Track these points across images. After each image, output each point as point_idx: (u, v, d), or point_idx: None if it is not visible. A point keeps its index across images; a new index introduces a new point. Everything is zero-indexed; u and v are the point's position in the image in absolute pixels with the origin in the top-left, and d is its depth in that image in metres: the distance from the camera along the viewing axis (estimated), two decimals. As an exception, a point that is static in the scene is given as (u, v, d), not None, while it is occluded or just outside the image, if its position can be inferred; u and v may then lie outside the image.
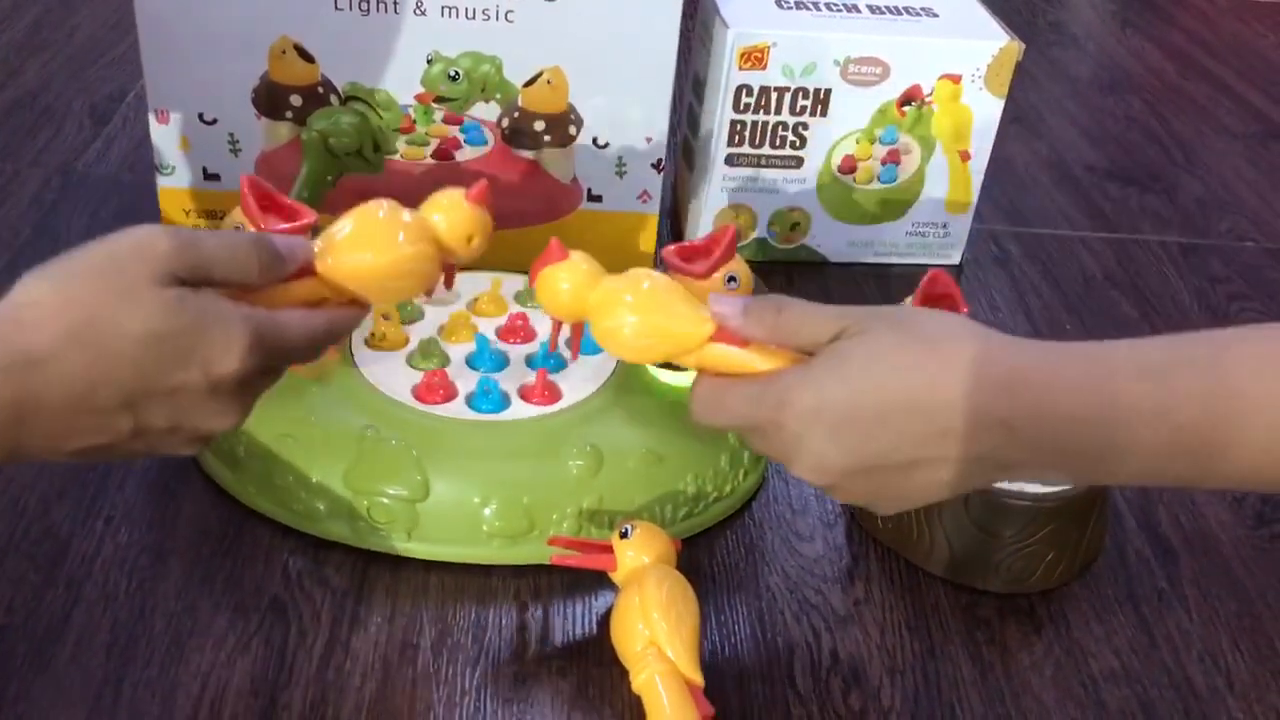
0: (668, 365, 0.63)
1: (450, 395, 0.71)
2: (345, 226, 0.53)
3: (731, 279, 0.71)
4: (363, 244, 0.53)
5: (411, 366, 0.73)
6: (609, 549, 0.65)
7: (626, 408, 0.73)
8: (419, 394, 0.71)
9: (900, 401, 0.49)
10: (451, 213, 0.55)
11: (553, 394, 0.72)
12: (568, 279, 0.56)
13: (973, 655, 0.67)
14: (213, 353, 0.46)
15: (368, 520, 0.68)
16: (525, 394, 0.72)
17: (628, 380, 0.74)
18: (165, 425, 0.47)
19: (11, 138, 1.06)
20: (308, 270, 0.52)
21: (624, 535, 0.65)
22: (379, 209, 0.53)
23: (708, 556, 0.72)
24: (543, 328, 0.77)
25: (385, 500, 0.67)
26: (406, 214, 0.54)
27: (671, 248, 0.72)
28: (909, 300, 0.81)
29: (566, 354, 0.74)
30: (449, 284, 0.56)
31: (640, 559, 0.64)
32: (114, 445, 0.47)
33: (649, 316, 0.54)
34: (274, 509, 0.69)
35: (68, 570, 0.66)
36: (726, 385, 0.54)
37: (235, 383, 0.48)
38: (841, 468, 0.51)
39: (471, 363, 0.74)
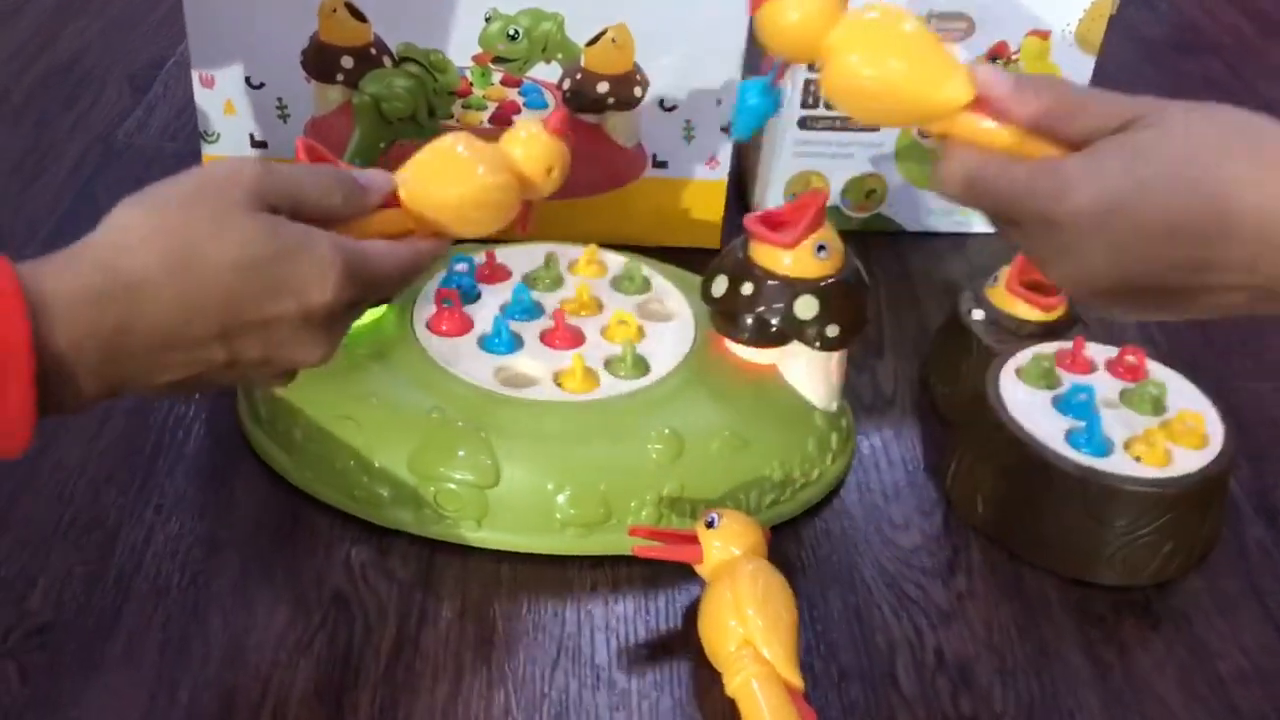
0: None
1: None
2: (426, 157, 0.53)
3: (821, 248, 0.66)
4: (444, 174, 0.53)
5: (481, 349, 0.68)
6: (694, 539, 0.60)
7: (707, 387, 0.68)
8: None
9: (1209, 217, 0.41)
10: (531, 144, 0.55)
11: (575, 338, 0.68)
12: (799, 7, 0.48)
13: (1089, 654, 0.62)
14: (307, 282, 0.46)
15: (434, 508, 0.63)
16: (546, 338, 0.68)
17: (707, 357, 0.69)
18: (258, 356, 0.46)
19: (49, 107, 1.02)
20: (390, 203, 0.52)
21: (710, 525, 0.60)
22: (458, 141, 0.53)
23: (796, 547, 0.67)
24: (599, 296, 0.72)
25: (453, 486, 0.63)
26: (485, 144, 0.54)
27: (755, 215, 0.67)
28: (1004, 272, 0.76)
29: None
30: (526, 223, 0.55)
31: (729, 550, 0.59)
32: (206, 375, 0.46)
33: (902, 65, 0.47)
34: (334, 496, 0.65)
35: (117, 563, 0.62)
36: (991, 161, 0.47)
37: (327, 313, 0.47)
38: (1113, 283, 0.45)
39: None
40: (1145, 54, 1.33)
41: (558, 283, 0.73)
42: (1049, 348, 0.71)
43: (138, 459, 0.68)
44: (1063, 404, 0.68)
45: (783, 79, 0.55)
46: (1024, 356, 0.70)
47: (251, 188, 0.45)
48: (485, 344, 0.68)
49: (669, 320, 0.72)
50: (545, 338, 0.69)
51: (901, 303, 0.88)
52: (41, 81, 1.06)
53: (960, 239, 0.96)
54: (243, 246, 0.44)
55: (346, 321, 0.49)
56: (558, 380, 0.66)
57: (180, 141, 0.97)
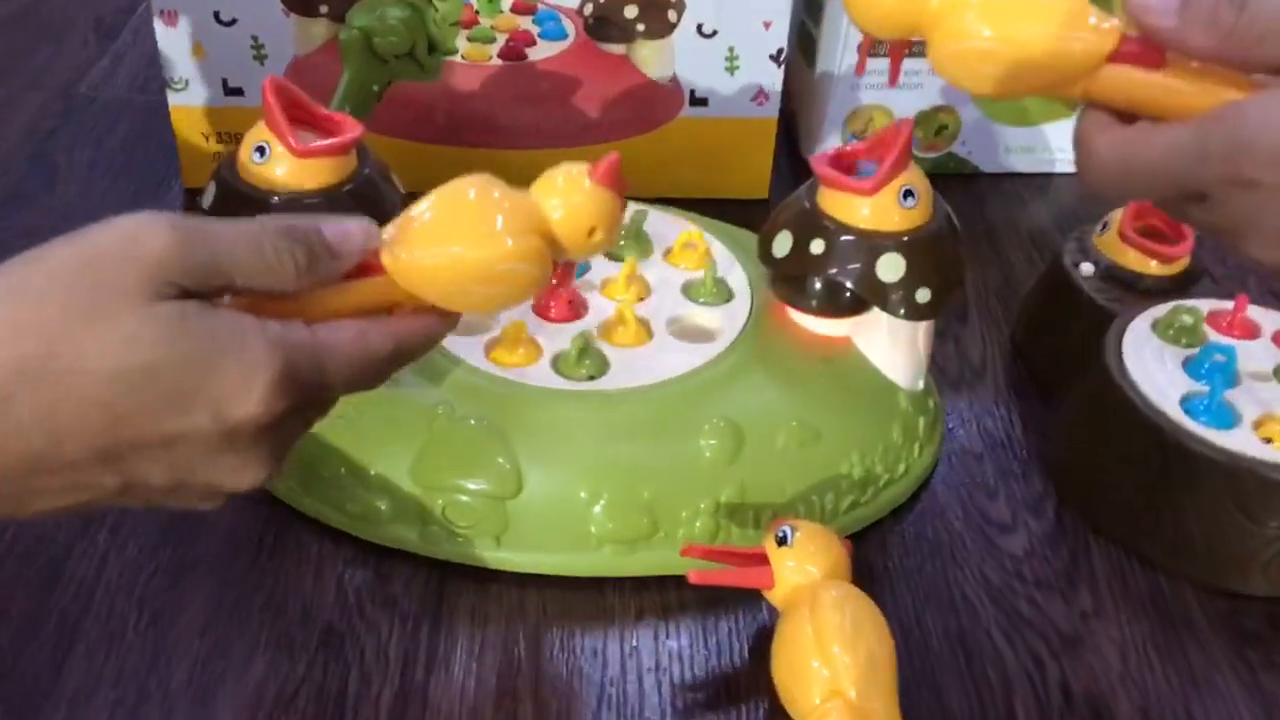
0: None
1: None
2: (425, 209, 0.39)
3: (908, 194, 0.54)
4: (448, 233, 0.38)
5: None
6: (763, 559, 0.49)
7: (768, 368, 0.56)
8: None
9: None
10: (570, 196, 0.39)
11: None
12: None
13: (1248, 684, 0.50)
14: (225, 391, 0.35)
15: (443, 524, 0.52)
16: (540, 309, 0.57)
17: (767, 331, 0.58)
18: (164, 481, 0.36)
19: (4, 57, 0.91)
20: (371, 266, 0.38)
21: (782, 540, 0.49)
22: (470, 188, 0.39)
23: (881, 557, 0.55)
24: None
25: (465, 498, 0.52)
26: (508, 195, 0.39)
27: (824, 155, 0.55)
28: (1115, 218, 0.64)
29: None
30: (564, 280, 0.44)
31: (806, 571, 0.48)
32: (98, 501, 0.36)
33: (1026, 14, 0.40)
34: (323, 510, 0.54)
35: (62, 600, 0.51)
36: (1146, 132, 0.39)
37: (256, 429, 0.36)
38: None
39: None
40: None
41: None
42: (1201, 304, 0.59)
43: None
44: (1193, 365, 0.57)
45: (898, 77, 0.47)
46: (1160, 310, 0.59)
47: (153, 266, 0.34)
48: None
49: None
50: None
51: (984, 256, 0.76)
52: (-2, 30, 0.94)
53: (1044, 180, 0.84)
54: (128, 350, 0.34)
55: (293, 430, 0.38)
56: (604, 333, 0.56)
57: (151, 93, 0.86)
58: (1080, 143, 0.40)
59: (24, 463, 0.34)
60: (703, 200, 0.77)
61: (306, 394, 0.37)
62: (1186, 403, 0.55)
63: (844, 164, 0.55)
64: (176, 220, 0.35)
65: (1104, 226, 0.64)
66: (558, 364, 0.55)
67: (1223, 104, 0.38)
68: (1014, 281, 0.74)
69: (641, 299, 0.59)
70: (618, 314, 0.57)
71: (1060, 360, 0.64)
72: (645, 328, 0.57)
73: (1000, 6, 0.40)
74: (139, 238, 0.34)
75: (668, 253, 0.63)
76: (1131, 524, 0.56)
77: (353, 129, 0.54)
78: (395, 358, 0.39)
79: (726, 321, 0.58)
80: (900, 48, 0.49)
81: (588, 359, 0.55)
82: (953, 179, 0.82)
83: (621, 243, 0.61)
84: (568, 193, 0.39)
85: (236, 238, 0.36)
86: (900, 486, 0.57)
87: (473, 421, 0.52)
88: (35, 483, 0.35)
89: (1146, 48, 0.39)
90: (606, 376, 0.55)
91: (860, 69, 0.50)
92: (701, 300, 0.59)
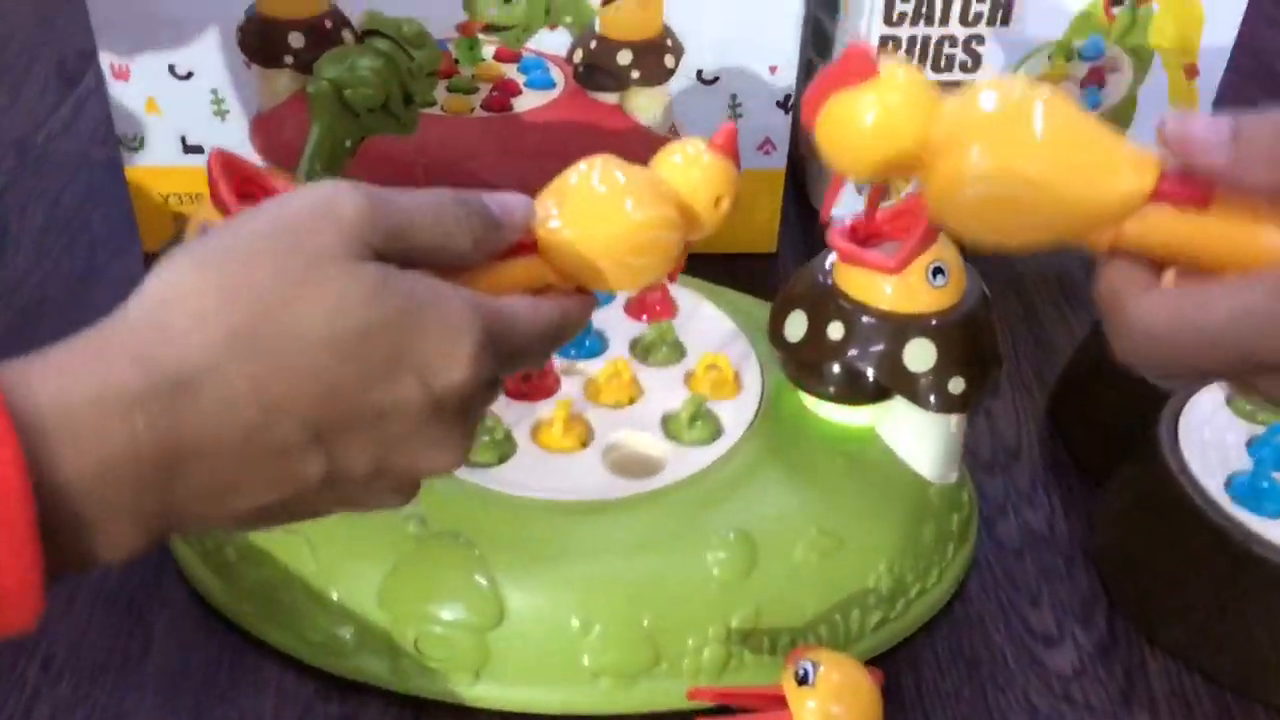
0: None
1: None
2: (569, 187, 0.39)
3: (938, 271, 0.48)
4: (597, 208, 0.38)
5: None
6: (781, 701, 0.43)
7: (782, 465, 0.50)
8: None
9: None
10: (692, 168, 0.40)
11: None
12: (878, 105, 0.34)
13: (1338, 834, 0.44)
14: (435, 356, 0.33)
15: (416, 656, 0.46)
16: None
17: (780, 421, 0.52)
18: (367, 467, 0.33)
19: (-45, 106, 0.85)
20: (527, 245, 0.38)
21: (803, 679, 0.42)
22: (606, 166, 0.39)
23: (912, 679, 0.49)
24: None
25: (439, 629, 0.45)
26: (639, 171, 0.39)
27: (841, 228, 0.49)
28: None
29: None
30: (678, 270, 0.41)
31: (831, 715, 0.42)
32: (296, 501, 0.33)
33: (1046, 152, 0.32)
34: (282, 638, 0.48)
35: (-18, 752, 0.45)
36: (1194, 293, 0.31)
37: (461, 398, 0.34)
38: None
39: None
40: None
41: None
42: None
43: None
44: (1259, 444, 0.51)
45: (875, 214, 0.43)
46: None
47: (351, 226, 0.33)
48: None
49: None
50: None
51: (1012, 311, 0.70)
52: (-48, 75, 0.89)
53: (1075, 226, 0.77)
54: (342, 313, 0.32)
55: (482, 407, 0.36)
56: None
57: (111, 146, 0.79)
58: (1113, 307, 0.33)
59: (231, 449, 0.31)
60: (707, 256, 0.71)
61: (501, 363, 0.35)
62: (1233, 483, 0.49)
63: (863, 235, 0.49)
64: (362, 187, 0.34)
65: (1150, 290, 0.58)
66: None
67: None
68: (1046, 341, 0.68)
69: (633, 400, 0.53)
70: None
71: (1105, 438, 0.58)
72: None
73: (1013, 140, 0.32)
74: (334, 200, 0.33)
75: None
76: (1193, 634, 0.50)
77: (311, 206, 0.48)
78: (561, 333, 0.38)
79: (734, 413, 0.52)
80: (879, 192, 0.42)
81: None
82: (975, 227, 0.76)
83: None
84: (689, 166, 0.40)
85: (421, 204, 0.35)
86: (933, 596, 0.51)
87: (449, 538, 0.46)
88: (238, 477, 0.31)
89: (1190, 186, 0.32)
90: (598, 485, 0.49)
91: (825, 214, 0.44)
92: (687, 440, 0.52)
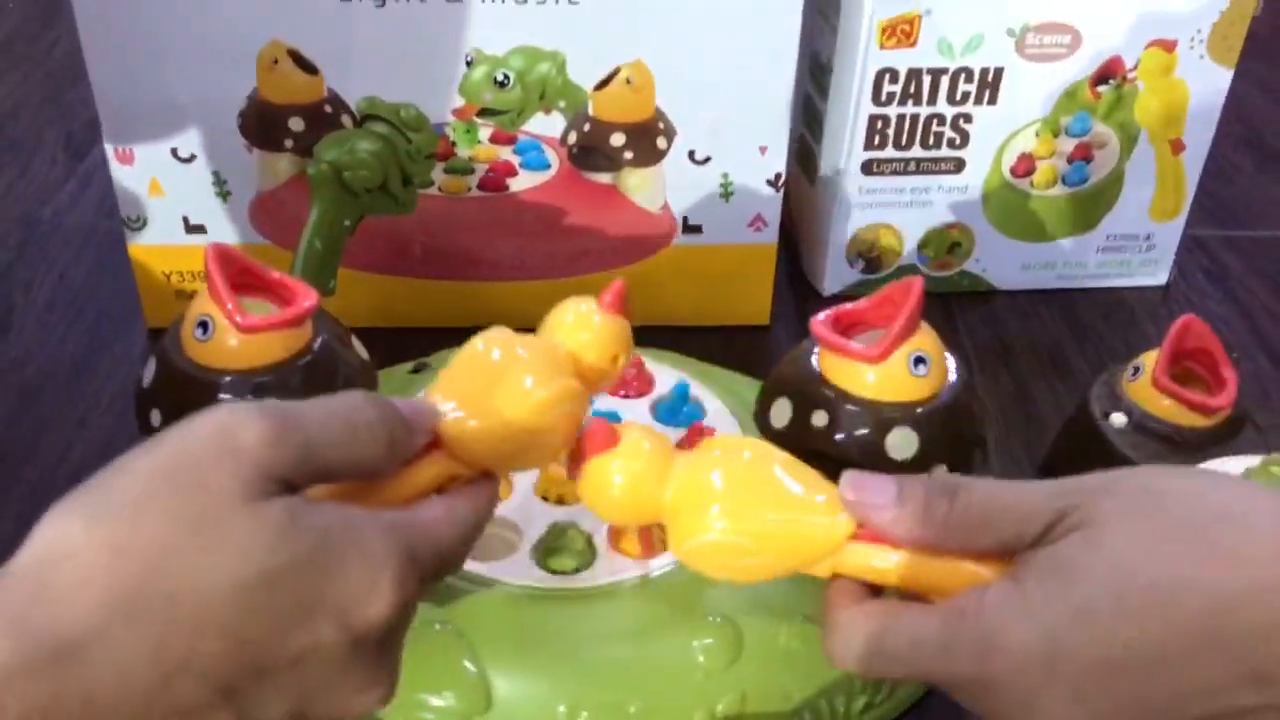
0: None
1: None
2: (464, 374, 0.38)
3: (919, 360, 0.49)
4: (497, 392, 0.38)
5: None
6: (765, 790, 0.43)
7: (769, 549, 0.51)
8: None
9: (1184, 635, 0.32)
10: (583, 330, 0.41)
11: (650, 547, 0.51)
12: (623, 471, 0.39)
13: None
14: (354, 593, 0.31)
15: (405, 743, 0.47)
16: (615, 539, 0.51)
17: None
18: (285, 713, 0.31)
19: (-36, 179, 0.87)
20: (431, 443, 0.37)
21: (786, 769, 0.43)
22: (493, 346, 0.39)
23: (899, 765, 0.50)
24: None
25: (429, 716, 0.46)
26: (531, 344, 0.40)
27: (823, 318, 0.50)
28: (1148, 362, 0.58)
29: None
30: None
31: (814, 805, 0.42)
32: None
33: (753, 521, 0.38)
34: (273, 723, 0.49)
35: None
36: (891, 616, 0.36)
37: (383, 632, 0.32)
38: None
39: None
40: (1260, 57, 1.15)
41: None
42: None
43: None
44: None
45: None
46: (1249, 462, 0.53)
47: (251, 461, 0.31)
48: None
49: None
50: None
51: (1002, 386, 0.71)
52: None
53: (1066, 296, 0.78)
54: (245, 561, 0.29)
55: (405, 630, 0.34)
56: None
57: (117, 219, 0.81)
58: (825, 614, 0.37)
59: (133, 710, 0.28)
60: (700, 329, 0.72)
61: (424, 581, 0.34)
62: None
63: (846, 323, 0.50)
64: (264, 407, 0.32)
65: (1135, 371, 0.59)
66: (537, 554, 0.50)
67: (964, 594, 0.34)
68: (1035, 416, 0.69)
69: None
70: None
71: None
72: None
73: (733, 499, 0.38)
74: (231, 430, 0.31)
75: None
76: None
77: (306, 298, 0.49)
78: (477, 530, 0.37)
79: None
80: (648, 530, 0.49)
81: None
82: (967, 297, 0.77)
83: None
84: (580, 327, 0.41)
85: (328, 420, 0.33)
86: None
87: (436, 626, 0.47)
88: None
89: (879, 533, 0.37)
90: (587, 571, 0.49)
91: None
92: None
